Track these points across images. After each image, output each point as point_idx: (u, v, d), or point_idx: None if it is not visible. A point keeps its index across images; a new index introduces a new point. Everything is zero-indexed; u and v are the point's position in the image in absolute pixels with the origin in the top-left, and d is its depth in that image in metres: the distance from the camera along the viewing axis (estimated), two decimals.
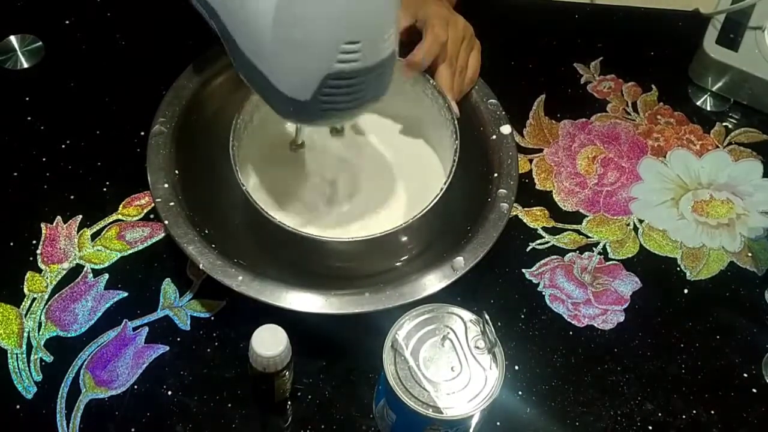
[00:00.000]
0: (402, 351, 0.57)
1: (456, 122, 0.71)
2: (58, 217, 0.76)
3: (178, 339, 0.71)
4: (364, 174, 0.76)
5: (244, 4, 0.57)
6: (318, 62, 0.57)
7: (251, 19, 0.57)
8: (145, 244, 0.75)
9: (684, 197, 0.83)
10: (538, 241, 0.79)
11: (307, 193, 0.75)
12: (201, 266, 0.66)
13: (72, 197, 0.77)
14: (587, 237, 0.79)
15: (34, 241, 0.74)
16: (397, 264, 0.72)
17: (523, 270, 0.77)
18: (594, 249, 0.78)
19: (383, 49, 0.58)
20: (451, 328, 0.58)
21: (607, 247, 0.79)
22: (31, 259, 0.73)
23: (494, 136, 0.75)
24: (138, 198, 0.78)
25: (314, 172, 0.76)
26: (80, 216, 0.76)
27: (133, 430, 0.66)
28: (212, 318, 0.72)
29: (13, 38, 0.87)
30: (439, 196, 0.67)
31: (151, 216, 0.77)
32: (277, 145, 0.76)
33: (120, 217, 0.77)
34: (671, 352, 0.73)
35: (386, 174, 0.76)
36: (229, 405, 0.68)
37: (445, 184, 0.67)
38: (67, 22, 0.89)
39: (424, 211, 0.67)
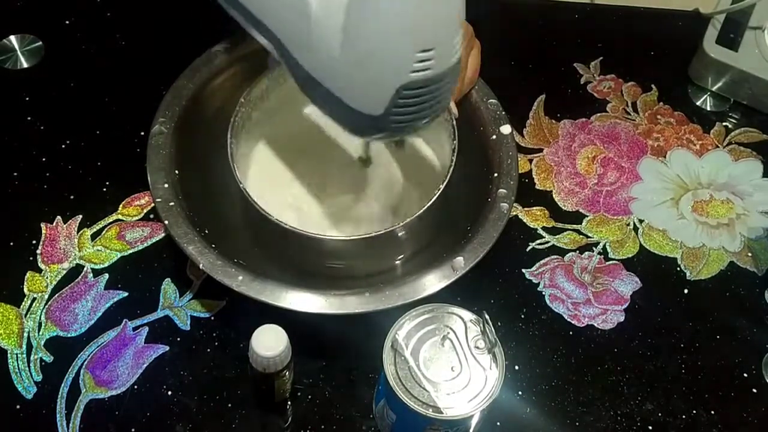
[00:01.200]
0: (402, 351, 0.57)
1: (455, 123, 0.71)
2: (58, 217, 0.76)
3: (178, 339, 0.71)
4: (364, 174, 0.76)
5: (308, 27, 0.55)
6: (392, 75, 0.55)
7: (316, 40, 0.55)
8: (145, 244, 0.75)
9: (684, 197, 0.83)
10: (538, 241, 0.79)
11: (307, 192, 0.75)
12: (201, 266, 0.66)
13: (72, 197, 0.77)
14: (587, 237, 0.79)
15: (34, 241, 0.74)
16: (397, 264, 0.72)
17: (523, 270, 0.77)
18: (594, 249, 0.78)
19: (455, 53, 0.56)
20: (451, 328, 0.58)
21: (607, 247, 0.79)
22: (31, 259, 0.73)
23: (494, 136, 0.75)
24: (138, 198, 0.78)
25: (313, 172, 0.76)
26: (80, 216, 0.76)
27: (133, 430, 0.66)
28: (212, 318, 0.72)
29: (13, 38, 0.87)
30: (437, 196, 0.67)
31: (151, 216, 0.77)
32: (277, 144, 0.76)
33: (120, 217, 0.77)
34: (671, 352, 0.73)
35: (385, 174, 0.76)
36: (229, 405, 0.68)
37: (443, 183, 0.67)
38: (67, 22, 0.89)
39: (423, 210, 0.67)
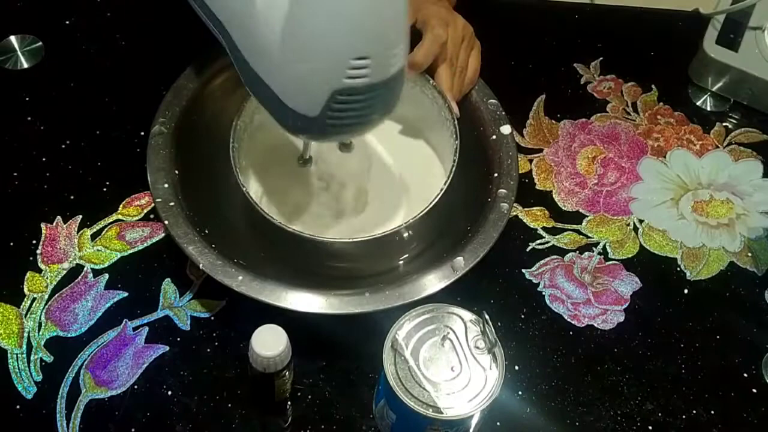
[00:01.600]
0: (402, 351, 0.57)
1: (456, 122, 0.71)
2: (58, 217, 0.76)
3: (178, 339, 0.71)
4: (364, 175, 0.76)
5: (253, 20, 0.56)
6: (326, 78, 0.55)
7: (260, 33, 0.56)
8: (145, 244, 0.75)
9: (684, 197, 0.83)
10: (538, 241, 0.79)
11: (307, 194, 0.75)
12: (201, 266, 0.66)
13: (72, 197, 0.77)
14: (587, 237, 0.79)
15: (34, 241, 0.74)
16: (397, 264, 0.72)
17: (523, 270, 0.77)
18: (594, 249, 0.78)
19: (392, 65, 0.57)
20: (451, 328, 0.58)
21: (607, 247, 0.79)
22: (31, 259, 0.73)
23: (494, 136, 0.75)
24: (138, 198, 0.78)
25: (314, 173, 0.76)
26: (80, 216, 0.76)
27: (133, 430, 0.66)
28: (212, 318, 0.72)
29: (13, 38, 0.87)
30: (438, 197, 0.67)
31: (151, 216, 0.77)
32: (277, 146, 0.76)
33: (120, 217, 0.77)
34: (671, 352, 0.73)
35: (386, 174, 0.76)
36: (229, 405, 0.68)
37: (445, 184, 0.67)
38: (67, 22, 0.89)
39: (424, 211, 0.67)
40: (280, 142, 0.76)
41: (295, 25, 0.54)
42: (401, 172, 0.77)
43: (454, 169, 0.68)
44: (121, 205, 0.77)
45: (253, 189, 0.74)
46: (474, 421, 0.59)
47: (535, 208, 0.81)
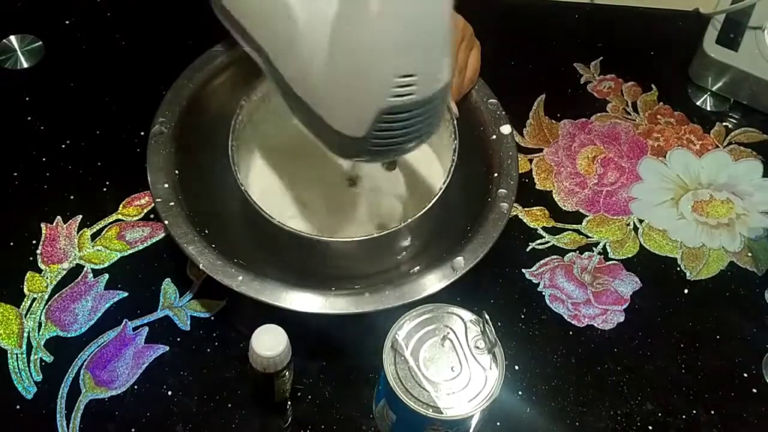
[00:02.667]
0: (402, 351, 0.57)
1: (455, 122, 0.71)
2: (58, 217, 0.76)
3: (178, 339, 0.71)
4: (364, 174, 0.76)
5: (295, 43, 0.55)
6: (372, 98, 0.54)
7: (302, 57, 0.55)
8: (145, 244, 0.75)
9: (684, 197, 0.83)
10: (538, 241, 0.79)
11: (306, 193, 0.75)
12: (201, 266, 0.66)
13: (72, 197, 0.77)
14: (587, 237, 0.79)
15: (34, 241, 0.74)
16: (397, 264, 0.72)
17: (523, 270, 0.77)
18: (594, 249, 0.78)
19: (438, 81, 0.55)
20: (451, 328, 0.58)
21: (607, 247, 0.79)
22: (31, 259, 0.73)
23: (494, 136, 0.75)
24: (138, 198, 0.78)
25: (313, 174, 0.76)
26: (80, 216, 0.76)
27: (133, 430, 0.66)
28: (212, 318, 0.72)
29: (13, 38, 0.87)
30: (438, 196, 0.67)
31: (151, 216, 0.77)
32: (277, 145, 0.76)
33: (120, 217, 0.77)
34: (671, 352, 0.73)
35: (386, 173, 0.76)
36: (229, 405, 0.68)
37: (444, 183, 0.67)
38: (67, 22, 0.89)
39: (424, 211, 0.67)
40: (279, 141, 0.76)
41: (339, 46, 0.53)
42: (401, 171, 0.77)
43: (453, 168, 0.68)
44: (121, 205, 0.77)
45: (253, 188, 0.74)
46: (474, 421, 0.59)
47: (535, 208, 0.81)
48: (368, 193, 0.75)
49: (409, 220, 0.66)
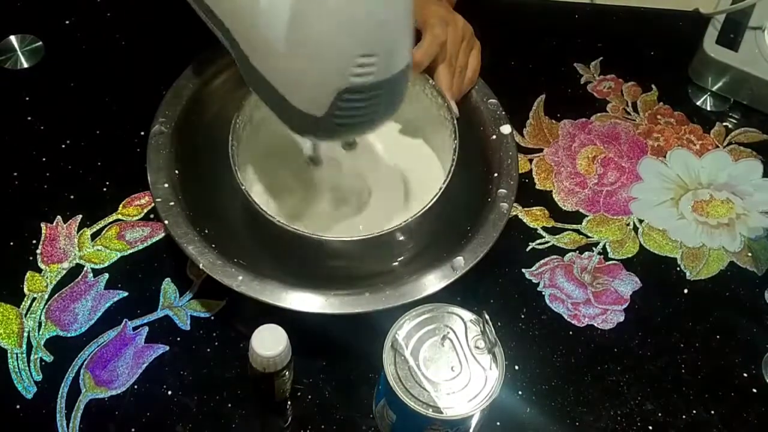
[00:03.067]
0: (402, 351, 0.57)
1: (455, 122, 0.71)
2: (58, 217, 0.76)
3: (178, 339, 0.71)
4: (364, 174, 0.76)
5: (257, 19, 0.56)
6: (332, 76, 0.55)
7: (264, 33, 0.56)
8: (145, 244, 0.75)
9: (684, 197, 0.83)
10: (538, 241, 0.79)
11: (306, 193, 0.75)
12: (201, 266, 0.66)
13: (72, 197, 0.77)
14: (587, 237, 0.79)
15: (34, 241, 0.74)
16: (397, 264, 0.72)
17: (523, 270, 0.77)
18: (594, 249, 0.78)
19: (399, 62, 0.56)
20: (451, 328, 0.58)
21: (607, 246, 0.79)
22: (31, 258, 0.73)
23: (494, 136, 0.75)
24: (138, 198, 0.78)
25: (314, 172, 0.76)
26: (80, 216, 0.76)
27: (133, 430, 0.66)
28: (212, 318, 0.72)
29: (13, 38, 0.87)
30: (437, 196, 0.67)
31: (151, 216, 0.77)
32: (277, 145, 0.76)
33: (120, 216, 0.77)
34: (671, 352, 0.73)
35: (386, 174, 0.76)
36: (229, 405, 0.68)
37: (444, 183, 0.67)
38: (67, 22, 0.89)
39: (423, 210, 0.67)
40: (280, 141, 0.76)
41: (300, 23, 0.53)
42: (401, 171, 0.77)
43: (453, 168, 0.68)
44: (121, 205, 0.77)
45: (253, 188, 0.74)
46: (474, 421, 0.59)
47: (535, 207, 0.81)
48: (368, 194, 0.75)
49: (408, 219, 0.66)
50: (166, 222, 0.67)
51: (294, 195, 0.75)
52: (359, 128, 0.60)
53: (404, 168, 0.77)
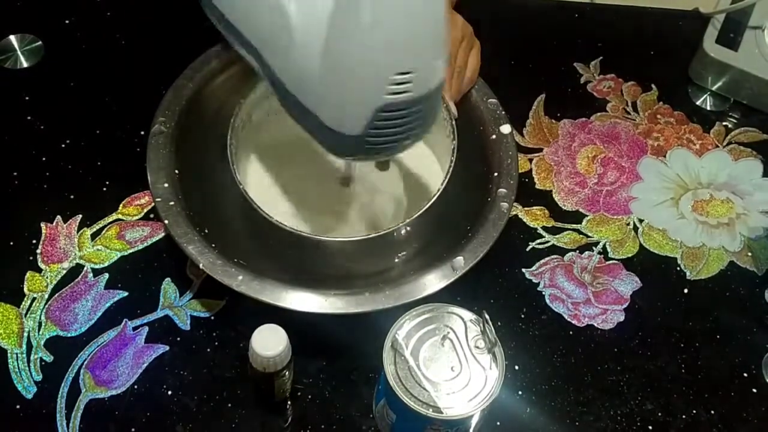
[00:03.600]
0: (402, 351, 0.57)
1: (454, 122, 0.71)
2: (58, 217, 0.76)
3: (178, 339, 0.71)
4: (363, 175, 0.76)
5: (291, 43, 0.55)
6: (369, 96, 0.54)
7: (298, 56, 0.55)
8: (145, 244, 0.75)
9: (684, 197, 0.83)
10: (538, 241, 0.79)
11: (306, 193, 0.75)
12: (201, 266, 0.66)
13: (72, 197, 0.77)
14: (587, 236, 0.79)
15: (34, 241, 0.74)
16: (397, 264, 0.72)
17: (523, 269, 0.77)
18: (594, 248, 0.78)
19: (434, 78, 0.55)
20: (451, 328, 0.58)
21: (607, 246, 0.79)
22: (31, 258, 0.73)
23: (494, 136, 0.75)
24: (138, 198, 0.78)
25: (312, 173, 0.76)
26: (80, 216, 0.76)
27: (133, 430, 0.66)
28: (212, 318, 0.72)
29: (13, 38, 0.87)
30: (437, 196, 0.67)
31: (151, 216, 0.77)
32: (277, 145, 0.76)
33: (120, 216, 0.77)
34: (671, 352, 0.73)
35: (385, 175, 0.76)
36: (229, 405, 0.68)
37: (442, 184, 0.67)
38: (67, 22, 0.89)
39: (422, 210, 0.67)
40: (279, 141, 0.76)
41: (336, 43, 0.52)
42: (400, 171, 0.77)
43: (451, 168, 0.68)
44: (121, 205, 0.77)
45: (253, 188, 0.74)
46: (474, 421, 0.59)
47: (535, 207, 0.81)
48: (368, 193, 0.75)
49: (408, 220, 0.66)
50: (166, 222, 0.67)
51: (294, 195, 0.75)
52: (396, 147, 0.58)
53: (403, 168, 0.77)
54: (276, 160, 0.76)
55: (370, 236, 0.67)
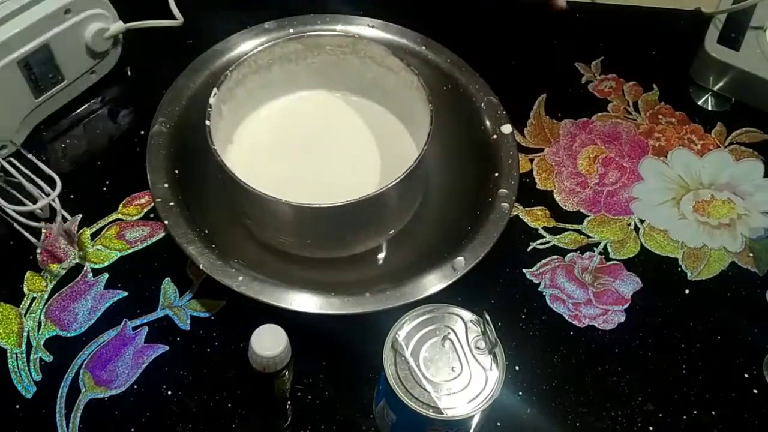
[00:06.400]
0: (402, 351, 0.57)
1: (428, 95, 0.69)
2: (59, 217, 0.76)
3: (178, 339, 0.70)
4: (363, 169, 0.76)
5: None
6: None
7: None
8: (145, 244, 0.75)
9: (685, 197, 0.83)
10: (539, 241, 0.78)
11: (306, 193, 0.75)
12: (201, 266, 0.66)
13: (72, 197, 0.77)
14: (588, 237, 0.79)
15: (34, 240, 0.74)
16: (397, 264, 0.72)
17: (524, 270, 0.77)
18: (595, 249, 0.78)
19: None
20: (451, 329, 0.58)
21: (608, 247, 0.79)
22: (30, 258, 0.73)
23: (495, 136, 0.75)
24: (138, 197, 0.78)
25: (313, 172, 0.75)
26: (80, 215, 0.76)
27: (133, 430, 0.66)
28: (212, 318, 0.72)
29: None
30: (418, 160, 0.65)
31: (151, 215, 0.77)
32: (276, 145, 0.76)
33: (120, 216, 0.77)
34: (672, 353, 0.73)
35: (363, 150, 0.75)
36: (229, 405, 0.68)
37: (423, 148, 0.66)
38: None
39: (406, 173, 0.65)
40: (279, 141, 0.76)
41: None
42: (376, 147, 0.75)
43: (430, 135, 0.66)
44: (120, 205, 0.77)
45: (252, 183, 0.73)
46: (474, 422, 0.59)
47: (535, 207, 0.81)
48: (354, 171, 0.74)
49: (390, 183, 0.65)
50: (166, 222, 0.67)
51: (293, 195, 0.75)
52: None
53: (380, 144, 0.76)
54: (276, 160, 0.76)
55: (362, 198, 0.65)
